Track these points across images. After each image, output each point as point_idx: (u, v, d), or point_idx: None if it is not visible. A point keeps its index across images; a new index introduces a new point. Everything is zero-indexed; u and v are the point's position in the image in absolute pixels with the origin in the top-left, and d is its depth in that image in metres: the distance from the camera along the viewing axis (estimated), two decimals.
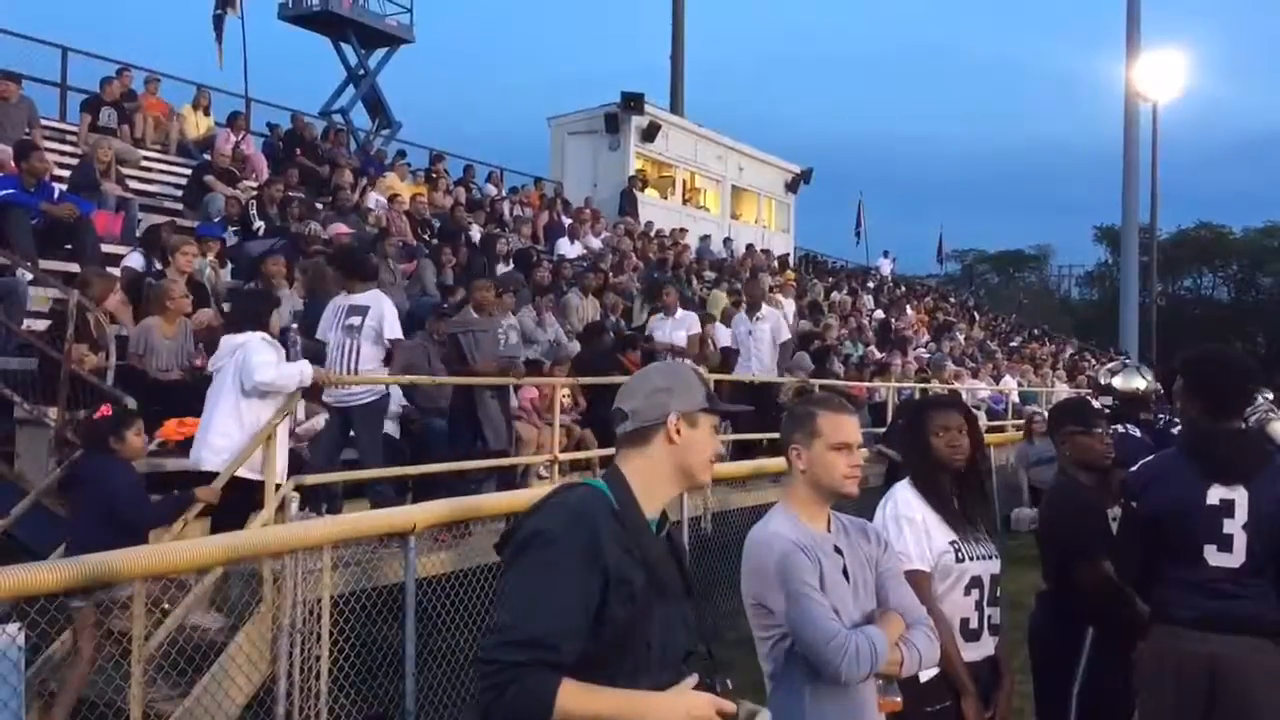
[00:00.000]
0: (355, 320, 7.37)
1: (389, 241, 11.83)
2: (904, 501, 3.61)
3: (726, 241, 24.48)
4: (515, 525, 2.27)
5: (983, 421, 16.46)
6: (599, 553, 2.13)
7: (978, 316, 33.89)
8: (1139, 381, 6.22)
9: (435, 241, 14.17)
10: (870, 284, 29.73)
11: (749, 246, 23.93)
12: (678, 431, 2.35)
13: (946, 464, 3.62)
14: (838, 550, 2.96)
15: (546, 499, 2.29)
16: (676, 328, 11.72)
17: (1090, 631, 4.16)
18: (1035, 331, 36.42)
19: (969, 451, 3.62)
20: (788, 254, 27.32)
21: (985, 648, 3.59)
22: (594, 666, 2.10)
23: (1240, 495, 3.67)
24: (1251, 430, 4.13)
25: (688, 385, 2.41)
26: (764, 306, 11.84)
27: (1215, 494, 3.69)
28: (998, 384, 20.34)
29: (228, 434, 6.13)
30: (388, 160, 18.65)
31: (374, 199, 14.62)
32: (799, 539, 2.90)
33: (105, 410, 5.85)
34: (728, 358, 12.29)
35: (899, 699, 2.96)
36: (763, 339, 11.40)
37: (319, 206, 13.24)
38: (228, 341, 6.41)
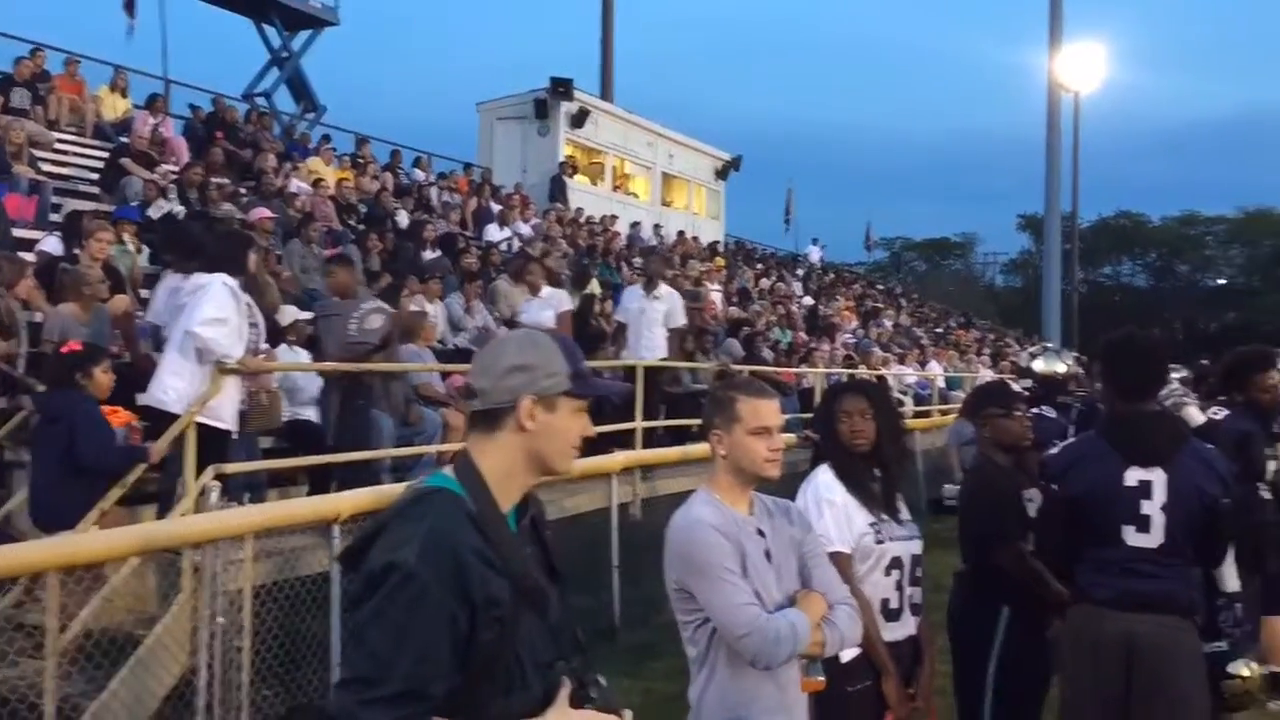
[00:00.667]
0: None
1: (313, 227, 11.65)
2: (825, 484, 3.64)
3: (657, 228, 24.51)
4: (361, 545, 2.01)
5: (910, 407, 16.73)
6: (463, 580, 1.89)
7: (905, 303, 34.32)
8: (1059, 366, 6.37)
9: (362, 227, 14.00)
10: (799, 271, 29.96)
11: (680, 233, 23.99)
12: (531, 417, 2.04)
13: (849, 447, 3.67)
14: (760, 533, 2.98)
15: (394, 514, 2.00)
16: (544, 307, 10.66)
17: (1006, 610, 4.24)
18: (962, 319, 36.99)
19: (872, 435, 3.66)
20: (718, 241, 27.42)
21: (906, 627, 3.64)
22: (463, 695, 1.91)
23: (1158, 476, 3.75)
24: (1168, 413, 4.22)
25: (548, 363, 2.08)
26: (662, 285, 11.17)
27: (1133, 475, 3.77)
28: (924, 370, 20.63)
29: (179, 373, 6.13)
30: (312, 144, 18.36)
31: (297, 184, 14.39)
32: (720, 523, 2.91)
33: (74, 345, 5.78)
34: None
35: (822, 679, 2.99)
36: (656, 319, 10.77)
37: (242, 191, 13.00)
38: (195, 280, 6.38)
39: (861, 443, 3.67)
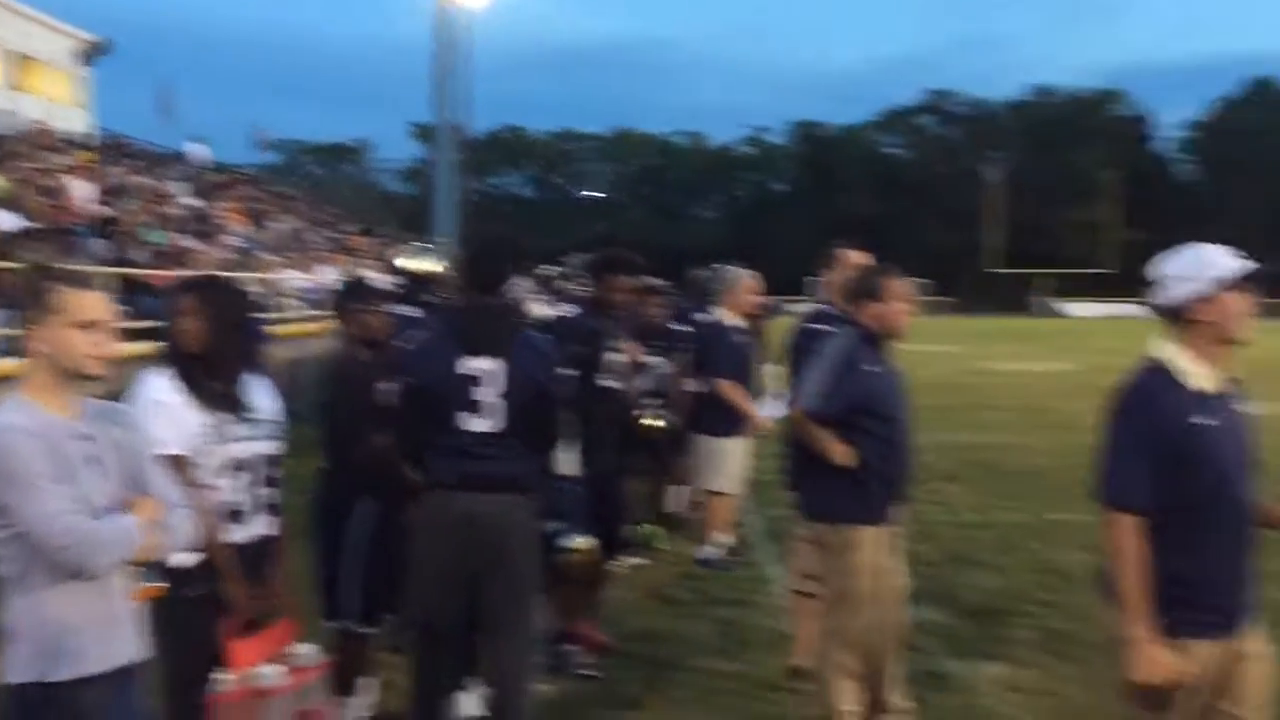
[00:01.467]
0: None
1: None
2: (156, 385, 3.44)
3: (8, 114, 21.58)
4: None
5: (300, 311, 16.55)
6: None
7: (303, 208, 33.60)
8: (429, 264, 6.54)
9: None
10: (181, 169, 28.06)
11: (36, 122, 21.35)
12: None
13: (181, 347, 3.50)
14: (85, 437, 2.74)
15: None
16: None
17: (365, 502, 4.35)
18: (364, 226, 36.99)
19: (202, 335, 3.51)
20: (88, 133, 24.79)
21: (255, 529, 3.55)
22: None
23: (492, 365, 3.99)
24: (507, 305, 4.44)
25: None
26: None
27: (469, 364, 3.99)
28: (315, 275, 20.40)
29: None
30: None
31: None
32: (34, 427, 2.64)
33: None
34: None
35: (157, 585, 2.88)
36: None
37: None
38: None
39: (189, 342, 3.50)
